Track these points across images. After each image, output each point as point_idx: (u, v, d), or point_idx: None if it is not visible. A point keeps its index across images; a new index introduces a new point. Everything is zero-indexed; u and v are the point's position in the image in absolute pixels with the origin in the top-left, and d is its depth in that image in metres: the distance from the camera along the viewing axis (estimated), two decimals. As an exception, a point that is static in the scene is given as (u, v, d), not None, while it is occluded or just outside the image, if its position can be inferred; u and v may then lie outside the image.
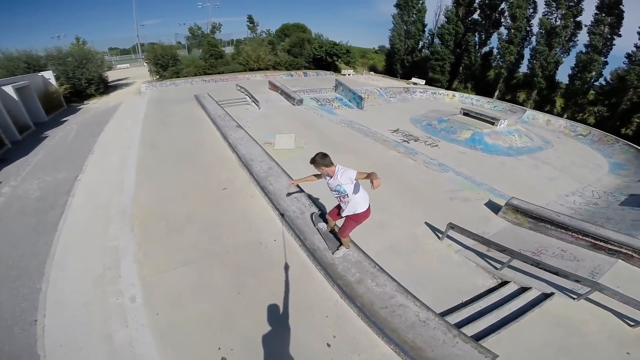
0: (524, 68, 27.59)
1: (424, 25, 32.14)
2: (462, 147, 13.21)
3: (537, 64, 24.84)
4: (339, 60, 28.79)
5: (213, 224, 5.69)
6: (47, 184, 7.66)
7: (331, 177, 3.78)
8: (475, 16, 28.86)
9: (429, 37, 31.93)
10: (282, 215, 5.51)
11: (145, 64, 24.87)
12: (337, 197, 3.96)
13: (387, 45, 34.17)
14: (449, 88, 28.65)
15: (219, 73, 24.32)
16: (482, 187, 9.07)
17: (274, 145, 10.09)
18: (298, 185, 6.22)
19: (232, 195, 6.83)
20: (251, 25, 32.87)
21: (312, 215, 5.53)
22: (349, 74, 28.93)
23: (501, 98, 27.03)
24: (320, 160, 3.66)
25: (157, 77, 23.97)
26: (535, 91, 26.17)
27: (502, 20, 26.77)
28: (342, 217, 4.27)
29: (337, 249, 4.75)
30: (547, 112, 23.69)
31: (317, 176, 4.15)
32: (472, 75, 28.60)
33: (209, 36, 27.88)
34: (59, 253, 5.39)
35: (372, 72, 31.86)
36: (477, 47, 28.16)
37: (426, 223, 6.88)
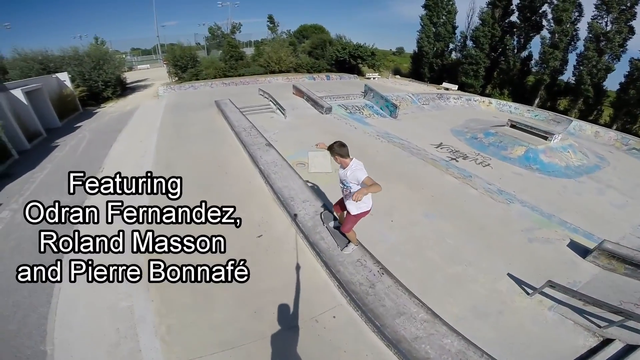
0: (567, 74, 25.66)
1: (454, 28, 30.48)
2: (517, 166, 11.77)
3: (585, 71, 22.85)
4: (363, 63, 27.44)
5: (252, 289, 4.40)
6: (51, 210, 6.61)
7: (343, 169, 3.89)
8: (513, 18, 27.05)
9: (461, 40, 30.19)
10: (344, 288, 4.21)
11: (164, 64, 24.21)
12: (342, 188, 4.13)
13: (404, 48, 32.47)
14: (482, 94, 26.91)
15: (240, 75, 23.37)
16: (553, 219, 7.77)
17: (309, 167, 8.81)
18: (359, 242, 5.10)
19: (270, 245, 5.50)
20: (272, 25, 31.86)
21: (321, 214, 5.61)
22: (374, 78, 27.59)
23: (541, 106, 25.13)
24: (338, 149, 3.72)
25: (176, 79, 23.24)
26: (581, 100, 24.14)
27: (545, 23, 24.81)
28: (343, 211, 4.52)
29: (346, 246, 4.87)
30: (592, 122, 21.75)
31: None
32: (509, 81, 26.74)
33: (229, 36, 27.01)
34: (62, 306, 4.43)
35: (397, 76, 30.42)
36: (516, 51, 26.29)
37: (509, 275, 5.60)
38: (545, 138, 13.56)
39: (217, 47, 28.70)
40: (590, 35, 22.88)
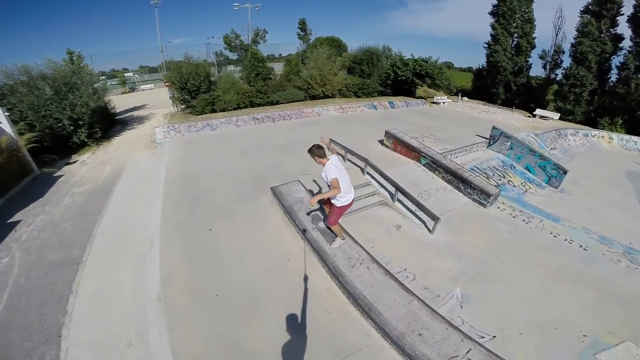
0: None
1: (533, 39, 24.97)
2: None
3: None
4: (432, 82, 21.49)
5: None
6: None
7: (323, 167, 4.45)
8: (620, 31, 21.51)
9: (552, 55, 24.40)
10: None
11: (165, 87, 18.29)
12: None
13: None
14: (581, 122, 21.08)
15: (273, 104, 17.25)
16: None
17: None
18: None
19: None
20: (303, 34, 25.96)
21: (311, 215, 5.97)
22: (443, 102, 21.67)
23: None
24: (316, 150, 4.34)
25: (183, 106, 17.20)
26: None
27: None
28: (330, 205, 4.88)
29: (333, 241, 5.34)
30: None
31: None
32: (624, 108, 20.86)
33: (252, 47, 21.09)
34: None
35: (465, 98, 24.58)
36: (633, 70, 20.50)
37: None
38: None
39: (236, 62, 22.72)
40: None
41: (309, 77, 18.51)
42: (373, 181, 8.20)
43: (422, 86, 22.68)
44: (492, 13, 25.59)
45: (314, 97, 18.95)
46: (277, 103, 17.28)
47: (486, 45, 26.30)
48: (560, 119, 20.90)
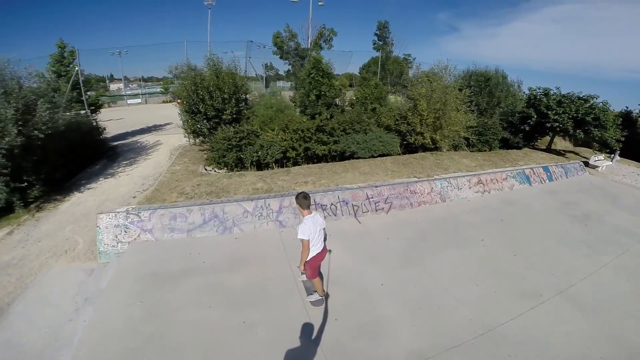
0: None
1: None
2: None
3: None
4: (600, 135, 12.76)
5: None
6: None
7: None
8: None
9: None
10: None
11: (176, 106, 11.52)
12: None
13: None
14: None
15: (343, 157, 9.57)
16: None
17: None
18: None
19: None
20: (382, 44, 18.22)
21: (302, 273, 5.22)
22: (602, 166, 13.11)
23: None
24: (300, 199, 3.98)
25: (193, 141, 10.25)
26: None
27: None
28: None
29: (311, 294, 4.76)
30: None
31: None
32: None
33: (315, 54, 13.74)
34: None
35: (618, 157, 15.73)
36: None
37: None
38: None
39: (287, 76, 15.43)
40: None
41: (409, 110, 10.65)
42: None
43: (565, 138, 14.14)
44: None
45: (409, 148, 11.10)
46: (351, 156, 9.57)
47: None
48: None
